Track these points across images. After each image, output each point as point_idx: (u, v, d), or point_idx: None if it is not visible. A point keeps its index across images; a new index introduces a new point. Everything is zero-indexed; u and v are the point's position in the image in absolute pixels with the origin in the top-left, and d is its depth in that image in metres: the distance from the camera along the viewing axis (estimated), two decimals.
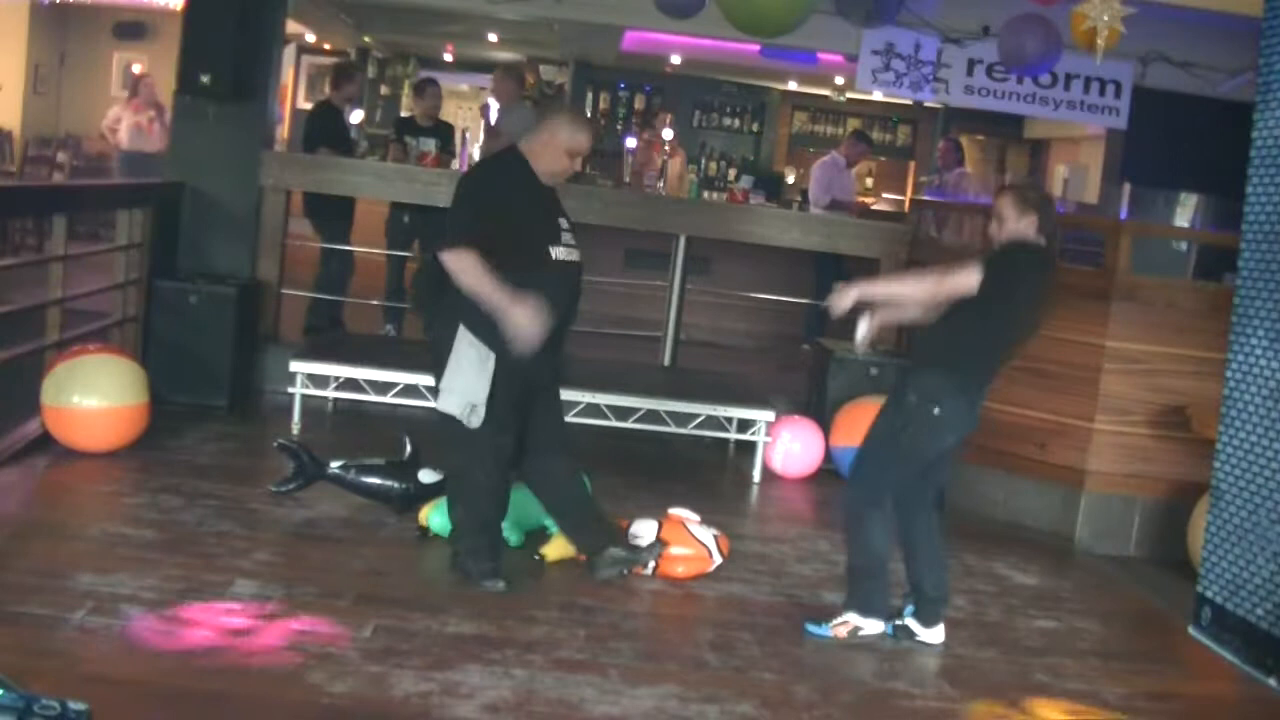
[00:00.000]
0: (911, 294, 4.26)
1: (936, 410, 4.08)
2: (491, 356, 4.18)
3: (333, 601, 4.05)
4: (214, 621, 3.77)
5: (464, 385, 4.19)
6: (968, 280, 4.03)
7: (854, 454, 4.38)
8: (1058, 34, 6.77)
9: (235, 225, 6.98)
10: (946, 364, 4.14)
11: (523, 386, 4.29)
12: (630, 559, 4.57)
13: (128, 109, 11.36)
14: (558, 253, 4.26)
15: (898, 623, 4.31)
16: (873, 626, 4.26)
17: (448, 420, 4.24)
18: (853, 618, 4.25)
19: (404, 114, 12.10)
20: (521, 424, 4.36)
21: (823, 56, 10.43)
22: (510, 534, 4.75)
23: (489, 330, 4.14)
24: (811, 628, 4.26)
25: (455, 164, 7.96)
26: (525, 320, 4.06)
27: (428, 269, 4.56)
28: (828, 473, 6.47)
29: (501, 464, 4.34)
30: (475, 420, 4.19)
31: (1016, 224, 4.16)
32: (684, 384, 6.87)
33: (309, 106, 12.49)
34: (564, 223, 4.35)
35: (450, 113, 16.04)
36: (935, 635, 4.29)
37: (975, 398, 4.21)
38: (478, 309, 4.12)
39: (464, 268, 4.09)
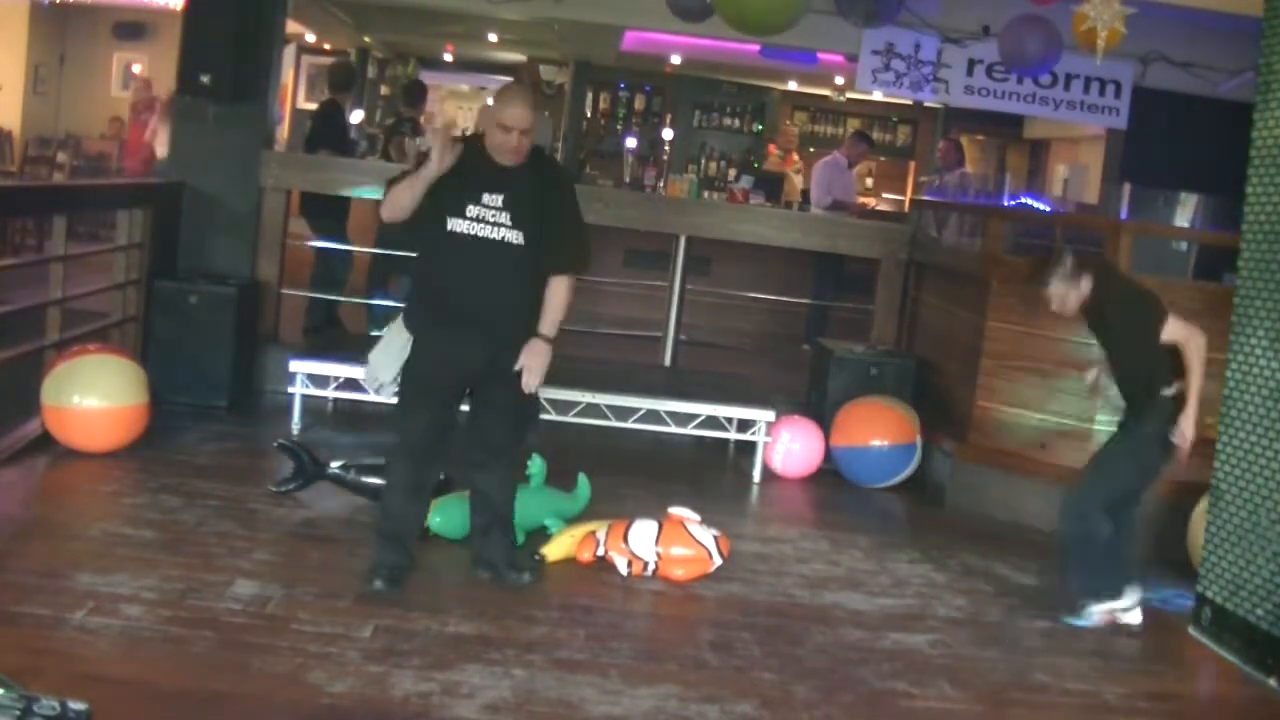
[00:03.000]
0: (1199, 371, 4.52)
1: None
2: (409, 339, 4.29)
3: (333, 601, 4.06)
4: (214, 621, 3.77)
5: (376, 361, 4.36)
6: (1194, 336, 4.46)
7: (1077, 491, 4.70)
8: (1058, 34, 6.77)
9: (235, 225, 6.98)
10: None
11: (443, 375, 4.27)
12: (511, 581, 4.45)
13: (157, 117, 11.47)
14: (456, 225, 4.17)
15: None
16: (1130, 609, 4.63)
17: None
18: (1108, 603, 4.60)
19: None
20: (446, 419, 4.37)
21: (823, 56, 10.43)
22: None
23: (411, 314, 4.34)
24: (1068, 619, 4.58)
25: None
26: (434, 152, 4.10)
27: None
28: (828, 472, 6.47)
29: (414, 456, 4.34)
30: (384, 394, 4.45)
31: (1080, 287, 4.63)
32: (684, 384, 6.87)
33: (309, 106, 12.53)
34: (494, 200, 4.18)
35: (450, 113, 16.06)
36: (1133, 615, 4.67)
37: None
38: (412, 295, 4.39)
39: (386, 201, 4.23)
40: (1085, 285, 4.58)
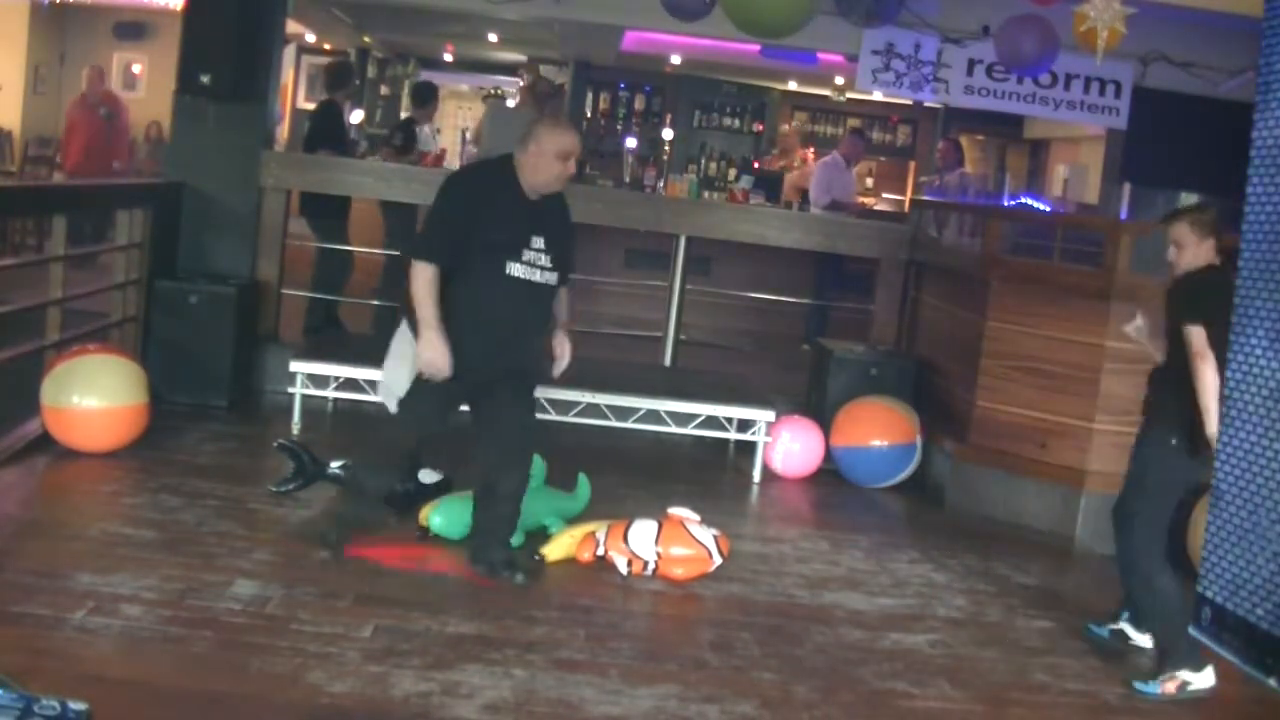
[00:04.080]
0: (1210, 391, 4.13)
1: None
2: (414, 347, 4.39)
3: (333, 601, 4.06)
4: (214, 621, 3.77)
5: (388, 374, 4.47)
6: (1204, 362, 4.00)
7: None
8: (1055, 34, 6.77)
9: (235, 225, 6.97)
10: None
11: (454, 391, 4.35)
12: (504, 580, 4.45)
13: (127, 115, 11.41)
14: (514, 269, 4.25)
15: (1113, 627, 4.50)
16: (1203, 680, 4.14)
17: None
18: (1182, 674, 4.13)
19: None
20: (443, 421, 4.49)
21: (823, 56, 10.42)
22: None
23: (443, 343, 4.32)
24: (1140, 685, 4.14)
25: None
26: (428, 354, 4.21)
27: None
28: (828, 472, 6.47)
29: (394, 460, 4.57)
30: (391, 406, 4.56)
31: (1197, 249, 4.18)
32: (684, 384, 6.87)
33: (309, 106, 12.51)
34: (539, 241, 4.28)
35: (450, 112, 16.05)
36: (1149, 639, 4.39)
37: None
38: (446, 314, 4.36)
39: (418, 280, 4.25)
40: (1206, 251, 4.15)
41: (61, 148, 11.11)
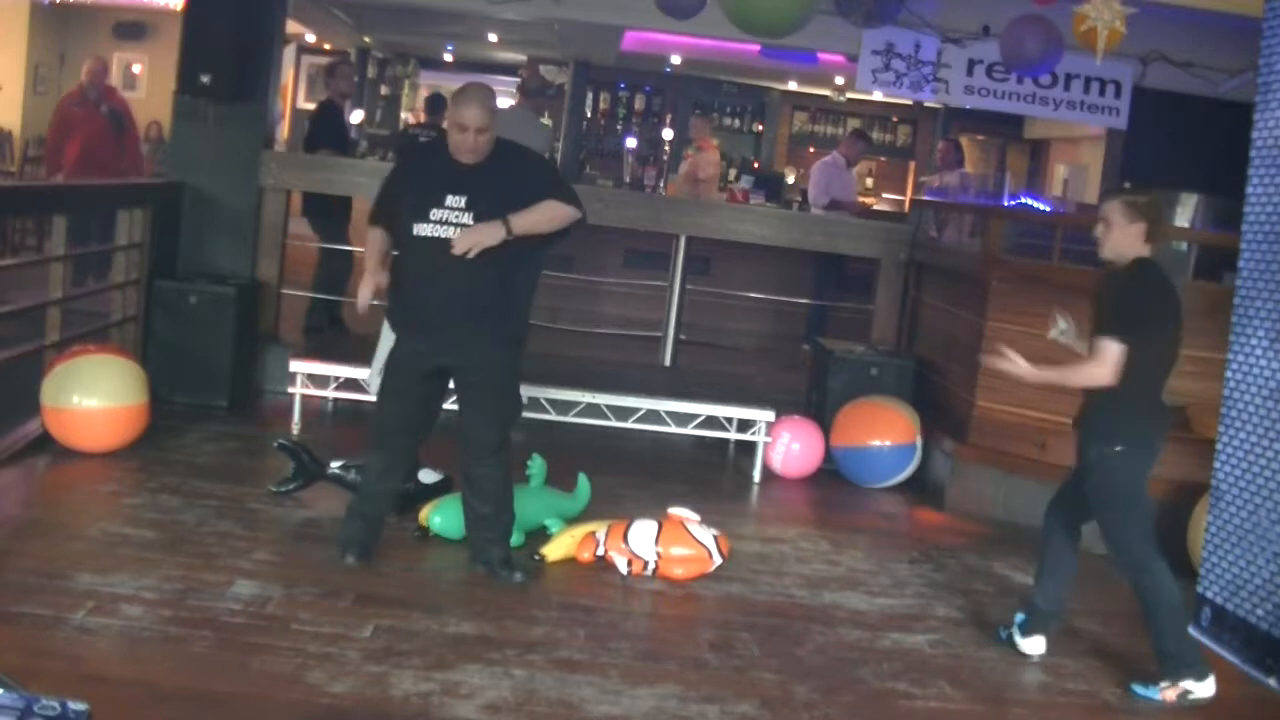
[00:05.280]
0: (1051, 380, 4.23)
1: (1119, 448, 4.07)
2: (391, 336, 4.56)
3: (333, 601, 4.06)
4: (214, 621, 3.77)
5: (376, 362, 4.69)
6: (1100, 371, 3.98)
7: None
8: (1059, 34, 6.77)
9: (235, 225, 6.98)
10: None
11: (408, 366, 4.42)
12: (503, 579, 4.45)
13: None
14: (420, 229, 4.27)
15: (1006, 631, 4.39)
16: (1205, 689, 4.01)
17: None
18: (1185, 683, 4.01)
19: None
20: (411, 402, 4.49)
21: (823, 56, 10.44)
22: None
23: (390, 312, 4.58)
24: (1139, 689, 4.04)
25: None
26: (360, 288, 4.41)
27: None
28: (828, 472, 6.47)
29: (383, 440, 4.52)
30: (371, 389, 4.72)
31: (1124, 231, 4.04)
32: (684, 384, 6.87)
33: (309, 106, 12.51)
34: (457, 200, 4.24)
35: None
36: (1031, 646, 4.30)
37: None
38: (390, 295, 4.49)
39: (367, 239, 4.56)
40: (1133, 236, 4.01)
41: (49, 150, 9.20)
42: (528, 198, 4.31)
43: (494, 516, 4.50)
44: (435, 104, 9.64)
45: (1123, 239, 4.05)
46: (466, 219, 4.25)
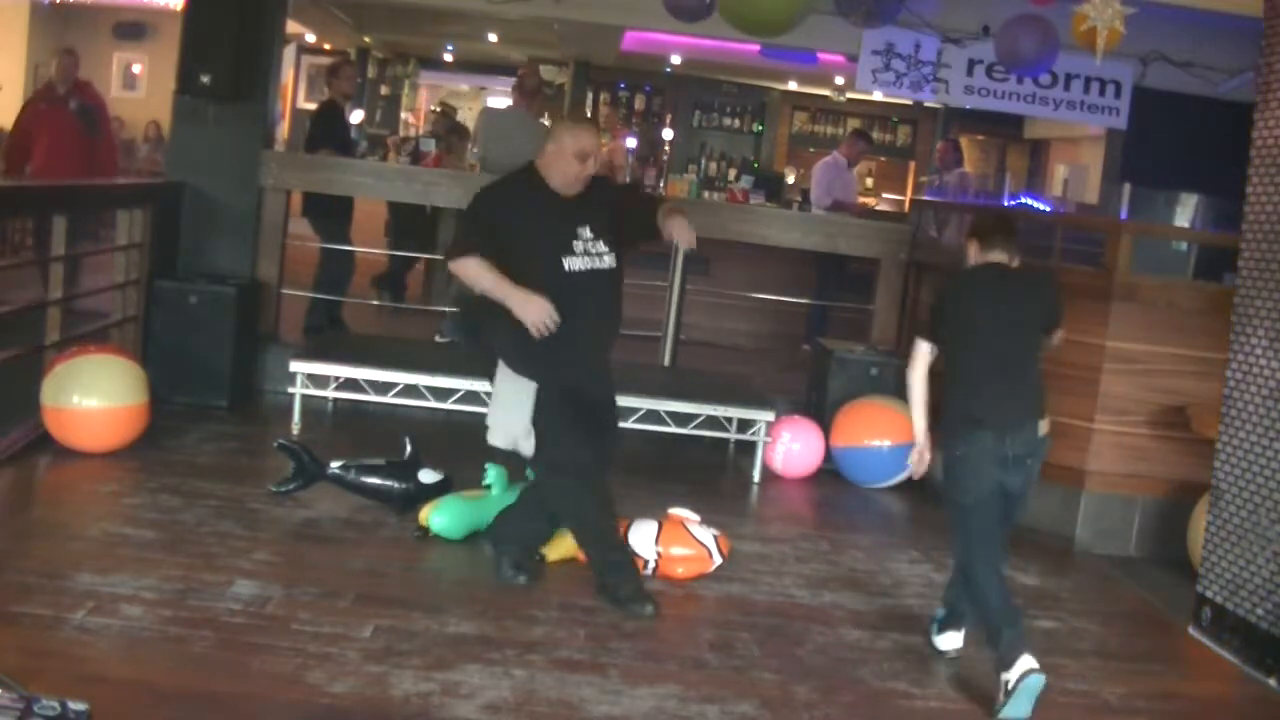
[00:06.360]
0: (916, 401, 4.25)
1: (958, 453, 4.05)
2: (531, 386, 4.25)
3: (333, 601, 4.06)
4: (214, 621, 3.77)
5: (503, 419, 4.31)
6: (917, 354, 4.21)
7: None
8: (1055, 34, 6.77)
9: (235, 225, 6.97)
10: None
11: (577, 403, 4.29)
12: (506, 575, 4.46)
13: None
14: (571, 263, 4.24)
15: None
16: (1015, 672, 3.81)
17: (538, 462, 4.36)
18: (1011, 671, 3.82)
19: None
20: (596, 435, 4.36)
21: (823, 56, 10.44)
22: None
23: (523, 360, 4.25)
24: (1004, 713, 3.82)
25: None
26: (528, 311, 4.11)
27: (466, 299, 4.66)
28: (828, 472, 6.47)
29: (585, 479, 4.33)
30: (526, 449, 4.29)
31: (970, 249, 4.22)
32: (684, 384, 6.87)
33: (309, 106, 12.51)
34: (586, 231, 4.27)
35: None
36: (944, 642, 4.28)
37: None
38: (510, 342, 4.22)
39: (466, 271, 4.22)
40: (972, 251, 4.19)
41: (9, 150, 8.21)
42: (631, 207, 4.47)
43: (542, 533, 4.56)
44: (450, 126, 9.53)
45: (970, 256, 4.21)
46: (601, 246, 4.29)
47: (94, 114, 8.22)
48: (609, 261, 4.32)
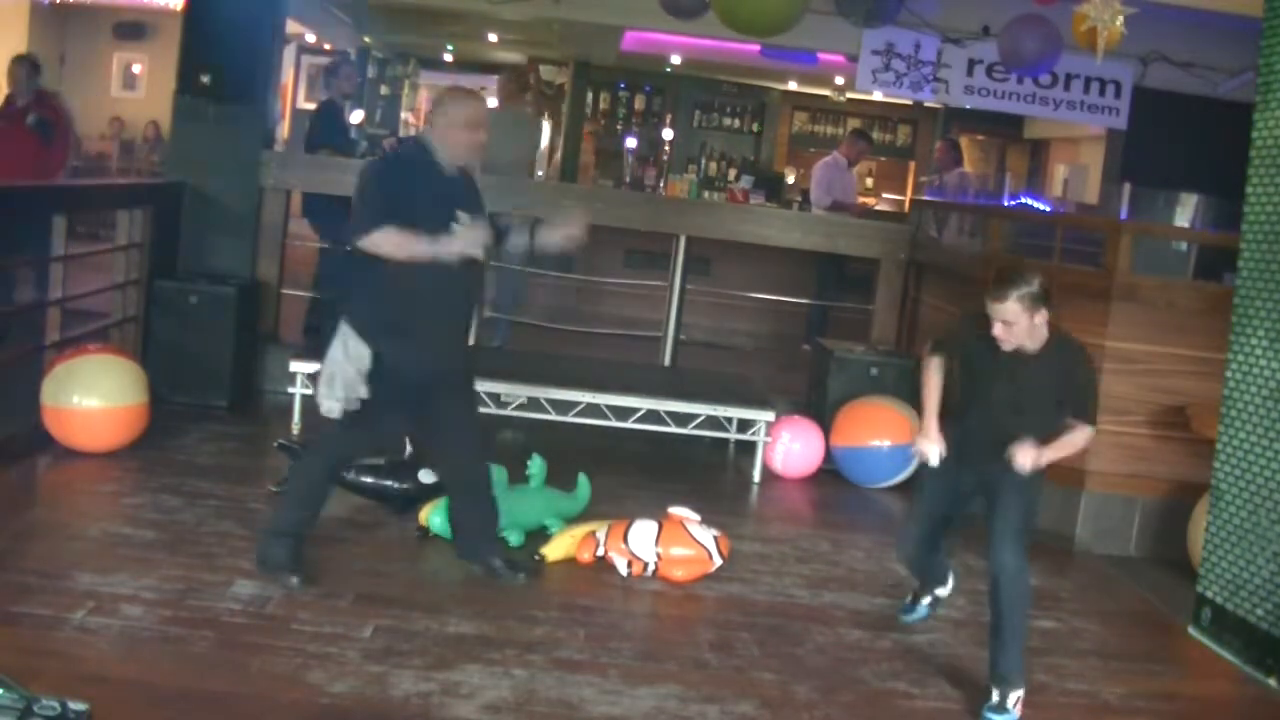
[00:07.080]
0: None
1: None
2: (365, 356, 4.10)
3: (333, 601, 4.06)
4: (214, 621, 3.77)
5: (326, 380, 4.14)
6: (929, 363, 4.26)
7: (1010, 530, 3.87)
8: (1058, 34, 6.77)
9: (235, 225, 6.97)
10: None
11: (408, 389, 4.18)
12: (504, 577, 4.46)
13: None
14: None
15: (924, 600, 4.54)
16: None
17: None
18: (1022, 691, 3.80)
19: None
20: (419, 425, 4.44)
21: (823, 56, 10.44)
22: (510, 534, 4.76)
23: (370, 330, 4.11)
24: (993, 715, 3.72)
25: None
26: (457, 243, 4.09)
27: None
28: (828, 472, 6.47)
29: (340, 460, 4.47)
30: (333, 412, 4.13)
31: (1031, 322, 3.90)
32: (684, 384, 6.87)
33: (309, 106, 12.50)
34: (464, 216, 4.16)
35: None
36: (922, 608, 4.52)
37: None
38: (363, 307, 4.14)
39: (386, 242, 4.04)
40: (1040, 321, 3.76)
41: None
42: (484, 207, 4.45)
43: (492, 511, 4.54)
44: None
45: (1026, 331, 3.78)
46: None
47: (50, 128, 7.71)
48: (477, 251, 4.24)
